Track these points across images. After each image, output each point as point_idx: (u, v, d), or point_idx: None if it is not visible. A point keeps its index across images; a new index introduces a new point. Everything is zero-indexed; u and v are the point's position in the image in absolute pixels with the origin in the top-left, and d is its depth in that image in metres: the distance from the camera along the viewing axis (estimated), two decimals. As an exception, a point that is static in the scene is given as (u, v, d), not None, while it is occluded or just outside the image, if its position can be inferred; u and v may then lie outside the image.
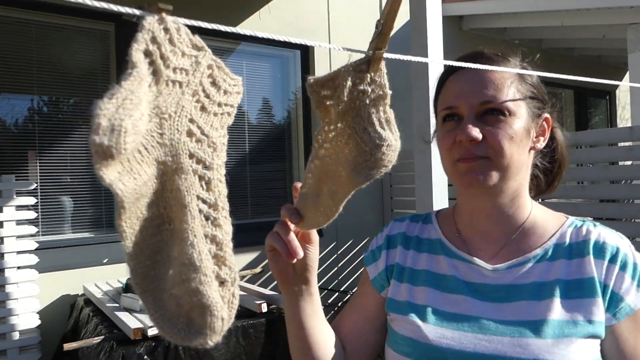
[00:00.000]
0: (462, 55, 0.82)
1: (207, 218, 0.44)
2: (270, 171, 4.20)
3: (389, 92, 0.61)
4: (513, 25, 5.12)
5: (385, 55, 0.60)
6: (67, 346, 1.96)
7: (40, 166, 3.15)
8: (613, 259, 0.75)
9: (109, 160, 0.36)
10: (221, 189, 0.45)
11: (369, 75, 0.59)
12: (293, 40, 0.55)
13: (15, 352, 2.60)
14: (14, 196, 2.65)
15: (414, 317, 0.79)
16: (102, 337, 2.02)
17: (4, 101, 3.08)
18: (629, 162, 2.92)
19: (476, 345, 0.73)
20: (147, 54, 0.42)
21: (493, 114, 0.76)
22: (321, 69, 4.26)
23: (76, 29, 3.28)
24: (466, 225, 0.86)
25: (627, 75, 7.07)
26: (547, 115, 0.82)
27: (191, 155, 0.44)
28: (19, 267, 2.66)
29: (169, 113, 0.43)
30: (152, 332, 1.99)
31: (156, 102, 0.42)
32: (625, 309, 0.73)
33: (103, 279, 3.07)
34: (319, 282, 4.27)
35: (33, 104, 3.17)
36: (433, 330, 0.77)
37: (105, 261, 3.19)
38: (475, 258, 0.82)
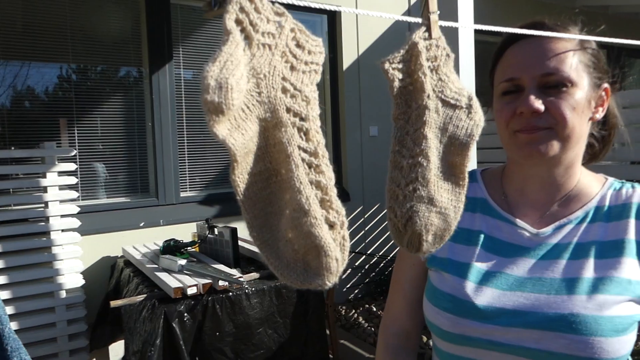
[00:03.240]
0: (521, 25, 0.81)
1: (309, 166, 0.48)
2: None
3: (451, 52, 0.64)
4: (547, -17, 4.92)
5: (441, 23, 0.62)
6: (114, 303, 2.09)
7: (78, 133, 3.26)
8: None
9: (220, 117, 0.40)
10: (319, 138, 0.49)
11: (434, 41, 0.62)
12: (325, 6, 0.57)
13: (62, 309, 2.77)
14: (56, 162, 2.76)
15: (454, 274, 0.83)
16: (145, 295, 2.14)
17: (38, 69, 3.18)
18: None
19: (515, 303, 0.76)
20: (238, 22, 0.46)
21: (556, 85, 0.76)
22: (348, 34, 4.21)
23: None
24: (515, 191, 0.88)
25: (667, 34, 6.75)
26: (606, 85, 0.82)
27: (288, 110, 0.48)
28: (62, 230, 2.81)
29: (263, 73, 0.47)
30: (191, 291, 2.11)
31: (251, 64, 0.46)
32: None
33: (140, 241, 3.21)
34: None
35: (68, 73, 3.26)
36: (473, 288, 0.80)
37: (141, 225, 3.33)
38: (518, 220, 0.84)
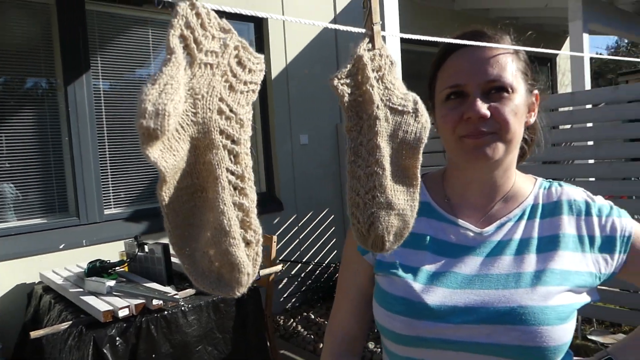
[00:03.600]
0: (460, 34, 0.85)
1: (235, 188, 0.49)
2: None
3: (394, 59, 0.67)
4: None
5: (383, 33, 0.65)
6: (34, 334, 1.92)
7: (-16, 151, 2.99)
8: (588, 212, 0.86)
9: (154, 141, 0.40)
10: (247, 161, 0.50)
11: (377, 51, 0.65)
12: (257, 14, 0.57)
13: (-27, 344, 2.52)
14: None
15: (405, 277, 0.84)
16: (70, 322, 2.00)
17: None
18: (568, 126, 3.11)
19: (466, 300, 0.79)
20: (182, 38, 0.45)
21: (498, 91, 0.80)
22: (276, 42, 4.22)
23: (14, 2, 3.08)
24: (456, 194, 0.92)
25: (567, 43, 7.40)
26: (536, 91, 0.88)
27: (221, 132, 0.48)
28: (-30, 258, 2.55)
29: (202, 94, 0.47)
30: (123, 313, 1.99)
31: (190, 84, 0.46)
32: (623, 239, 0.83)
33: (61, 265, 3.00)
34: (281, 254, 4.29)
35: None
36: (424, 289, 0.82)
37: (61, 247, 3.11)
38: (461, 221, 0.88)
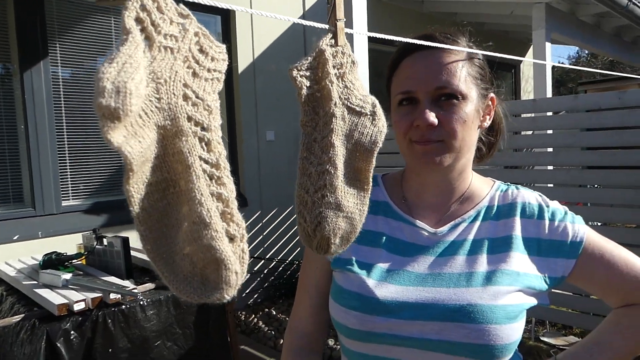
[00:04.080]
0: (414, 37, 0.85)
1: (210, 177, 0.46)
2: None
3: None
4: (430, -1, 5.30)
5: (347, 30, 0.64)
6: (-17, 327, 1.85)
7: None
8: (540, 215, 0.87)
9: (116, 123, 0.37)
10: (220, 149, 0.47)
11: (340, 48, 0.63)
12: (221, 5, 0.55)
13: None
14: None
15: (359, 273, 0.85)
16: (22, 315, 1.93)
17: None
18: (529, 132, 3.20)
19: (417, 297, 0.80)
20: (139, 20, 0.42)
21: (447, 98, 0.80)
22: (243, 37, 4.17)
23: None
24: (414, 195, 0.93)
25: (531, 49, 7.62)
26: (492, 94, 0.89)
27: (189, 118, 0.45)
28: None
29: (164, 78, 0.44)
30: (79, 306, 1.94)
31: (151, 67, 0.43)
32: (574, 244, 0.84)
33: (14, 256, 2.88)
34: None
35: None
36: (377, 285, 0.83)
37: (15, 238, 3.00)
38: (418, 221, 0.90)
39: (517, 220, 0.87)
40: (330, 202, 0.61)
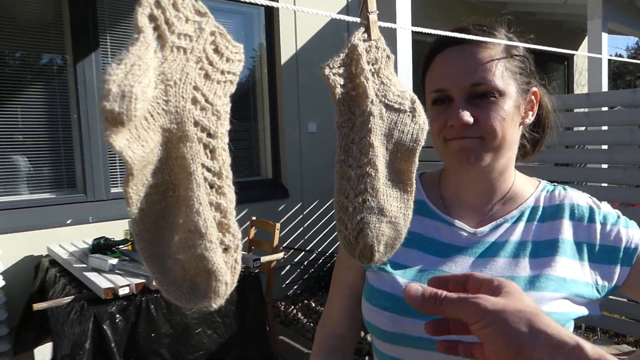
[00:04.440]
0: (448, 31, 0.80)
1: (211, 186, 0.44)
2: (236, 131, 4.16)
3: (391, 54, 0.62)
4: (479, -12, 5.13)
5: (380, 23, 0.61)
6: (37, 306, 1.95)
7: (-5, 124, 3.01)
8: (591, 218, 0.81)
9: (119, 127, 0.36)
10: (225, 157, 0.45)
11: (373, 42, 0.60)
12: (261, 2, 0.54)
13: (-21, 313, 2.57)
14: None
15: (393, 273, 0.83)
16: (72, 297, 2.02)
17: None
18: (582, 128, 3.06)
19: None
20: (152, 18, 0.41)
21: (483, 95, 0.75)
22: (286, 28, 4.18)
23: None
24: (452, 194, 0.89)
25: (585, 40, 7.28)
26: (535, 89, 0.83)
27: (196, 123, 0.44)
28: (-22, 229, 2.59)
29: (174, 80, 0.42)
30: (123, 291, 2.01)
31: (161, 68, 0.42)
32: (628, 250, 0.78)
33: (67, 239, 3.03)
34: (285, 241, 4.29)
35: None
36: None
37: (68, 222, 3.14)
38: (457, 221, 0.86)
39: (565, 223, 0.82)
40: (372, 207, 0.58)
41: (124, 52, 0.37)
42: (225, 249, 0.45)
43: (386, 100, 0.61)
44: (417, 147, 0.62)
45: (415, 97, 0.64)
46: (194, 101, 0.44)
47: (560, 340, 0.44)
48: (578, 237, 0.81)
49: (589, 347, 0.44)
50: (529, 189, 0.88)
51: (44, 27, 3.18)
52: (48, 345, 2.56)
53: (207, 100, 0.45)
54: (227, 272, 0.45)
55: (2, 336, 2.65)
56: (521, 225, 0.83)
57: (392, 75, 0.63)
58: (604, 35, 4.33)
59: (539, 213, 0.84)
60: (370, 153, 0.58)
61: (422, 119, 0.64)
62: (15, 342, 2.69)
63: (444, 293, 0.51)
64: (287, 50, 4.21)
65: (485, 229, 0.83)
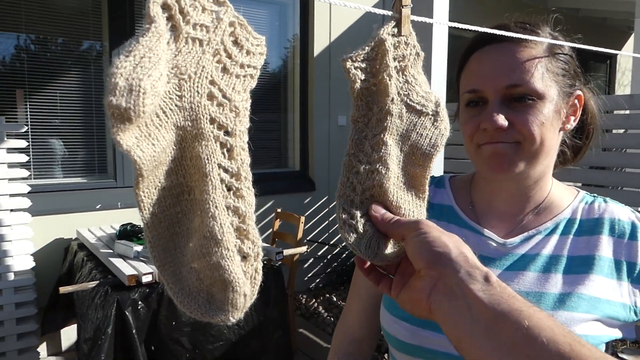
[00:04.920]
0: (488, 28, 0.75)
1: (229, 188, 0.42)
2: (265, 122, 4.16)
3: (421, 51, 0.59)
4: (520, -18, 4.97)
5: (413, 18, 0.57)
6: (63, 289, 1.99)
7: (30, 108, 3.09)
8: (633, 235, 0.75)
9: (127, 124, 0.33)
10: (244, 157, 0.43)
11: (403, 38, 0.57)
12: None
13: (10, 292, 2.64)
14: (5, 138, 2.61)
15: None
16: (97, 282, 2.06)
17: (-8, 39, 2.99)
18: (621, 130, 2.93)
19: None
20: (166, 7, 0.38)
21: (521, 99, 0.70)
22: (321, 19, 4.14)
23: (67, -35, 3.14)
24: (483, 201, 0.84)
25: (631, 39, 6.97)
26: (579, 92, 0.76)
27: (212, 120, 0.41)
28: (11, 210, 2.66)
29: (188, 74, 0.40)
30: (147, 279, 2.03)
31: (175, 61, 0.39)
32: None
33: (96, 224, 3.09)
34: (310, 234, 4.28)
35: (20, 42, 3.07)
36: None
37: (98, 207, 3.20)
38: (486, 230, 0.81)
39: (604, 239, 0.75)
40: (379, 204, 0.56)
41: (133, 43, 0.35)
42: (244, 257, 0.42)
43: (408, 100, 0.58)
44: (435, 152, 0.59)
45: (441, 101, 0.60)
46: (210, 96, 0.41)
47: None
48: (617, 255, 0.74)
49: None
50: (566, 199, 0.81)
51: (84, 14, 3.24)
52: (73, 327, 2.63)
53: (224, 96, 0.42)
54: (246, 283, 0.42)
55: (30, 316, 2.72)
56: (555, 238, 0.77)
57: (418, 75, 0.60)
58: (652, 34, 4.13)
59: (576, 226, 0.78)
60: (383, 150, 0.56)
61: (445, 124, 0.61)
62: (43, 322, 2.77)
63: (395, 217, 0.56)
64: (320, 42, 4.17)
65: (516, 240, 0.78)
